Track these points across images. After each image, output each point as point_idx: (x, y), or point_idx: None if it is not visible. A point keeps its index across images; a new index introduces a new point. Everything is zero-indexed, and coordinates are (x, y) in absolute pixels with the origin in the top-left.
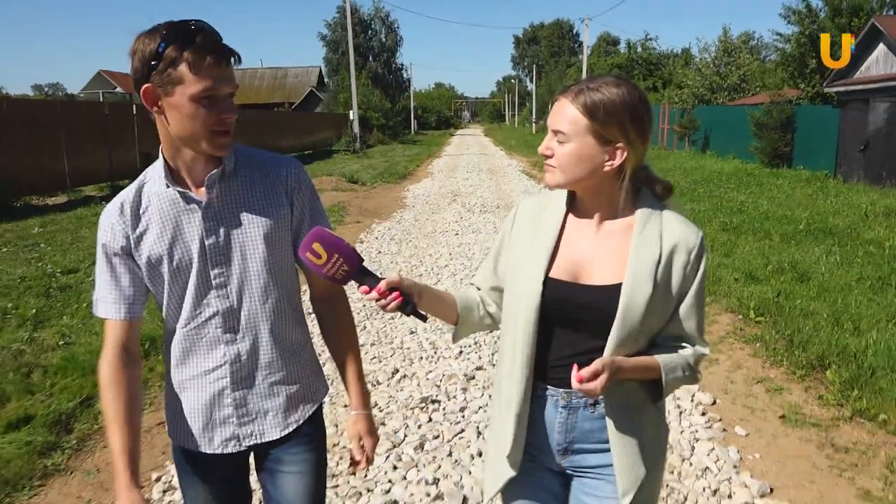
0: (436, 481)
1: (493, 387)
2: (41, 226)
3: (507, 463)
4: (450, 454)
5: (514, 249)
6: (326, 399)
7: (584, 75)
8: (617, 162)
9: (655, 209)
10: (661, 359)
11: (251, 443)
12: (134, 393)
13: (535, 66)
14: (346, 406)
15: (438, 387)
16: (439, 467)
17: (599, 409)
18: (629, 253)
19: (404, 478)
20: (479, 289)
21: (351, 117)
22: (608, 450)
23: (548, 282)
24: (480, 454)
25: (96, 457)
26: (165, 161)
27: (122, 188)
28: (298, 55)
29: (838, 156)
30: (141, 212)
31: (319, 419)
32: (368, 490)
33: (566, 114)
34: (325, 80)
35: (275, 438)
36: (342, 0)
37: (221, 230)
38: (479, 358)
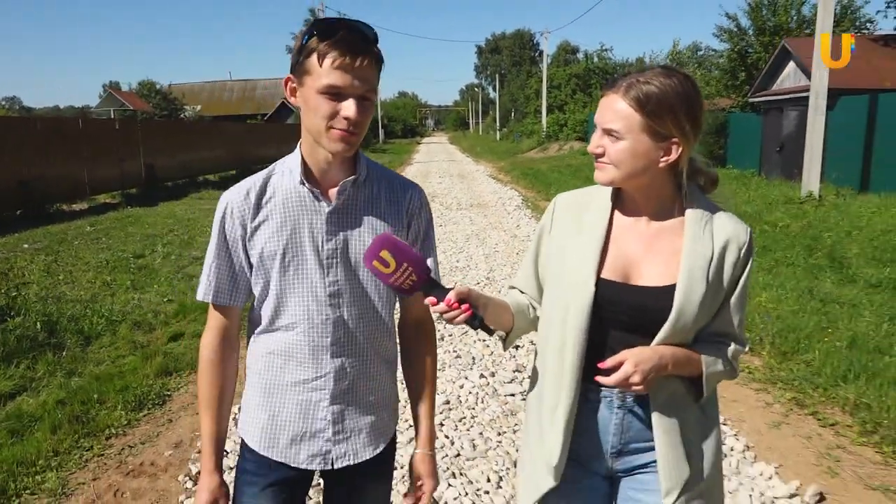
0: (456, 352)
1: (531, 393)
2: (91, 225)
3: (552, 473)
4: (462, 340)
5: (556, 247)
6: None
7: (544, 85)
8: (672, 157)
9: (704, 207)
10: (703, 353)
11: (344, 464)
12: (230, 380)
13: (497, 74)
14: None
15: None
16: (456, 347)
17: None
18: (682, 253)
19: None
20: (522, 292)
21: None
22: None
23: (599, 282)
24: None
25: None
26: (303, 158)
27: (132, 196)
28: (267, 67)
29: (761, 156)
30: (263, 202)
31: (394, 442)
32: None
33: (617, 110)
34: None
35: (367, 459)
36: (309, 15)
37: (341, 235)
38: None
